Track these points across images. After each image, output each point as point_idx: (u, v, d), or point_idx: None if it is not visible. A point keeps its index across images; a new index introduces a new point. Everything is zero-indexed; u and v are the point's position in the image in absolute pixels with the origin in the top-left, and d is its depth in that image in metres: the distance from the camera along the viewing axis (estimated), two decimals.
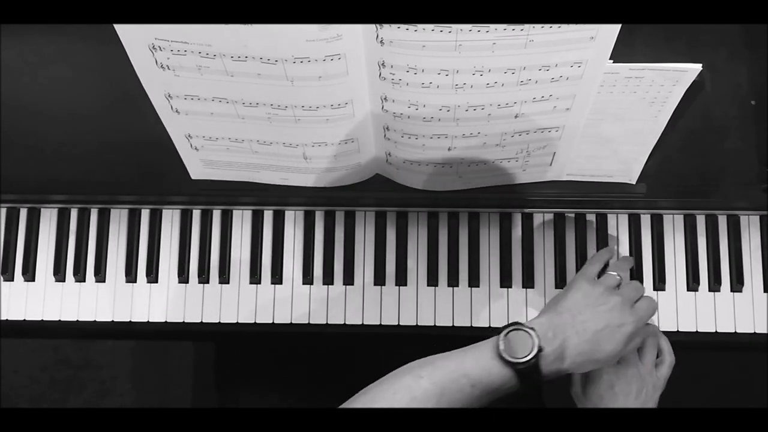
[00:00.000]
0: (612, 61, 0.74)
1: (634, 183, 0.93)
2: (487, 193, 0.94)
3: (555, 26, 0.69)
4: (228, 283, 1.00)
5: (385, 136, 0.84)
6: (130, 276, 1.00)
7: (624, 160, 0.90)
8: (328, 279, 0.99)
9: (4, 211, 1.02)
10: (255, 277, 0.99)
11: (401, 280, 0.99)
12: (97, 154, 0.96)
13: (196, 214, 1.01)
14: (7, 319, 1.00)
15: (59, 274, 1.00)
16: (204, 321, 0.99)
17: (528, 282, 0.98)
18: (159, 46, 0.72)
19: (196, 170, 0.93)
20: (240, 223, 1.01)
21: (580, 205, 0.98)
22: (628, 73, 0.77)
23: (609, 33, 0.71)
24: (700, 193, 0.94)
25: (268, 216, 1.01)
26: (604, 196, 0.95)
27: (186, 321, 0.99)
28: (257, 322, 0.99)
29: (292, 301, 0.99)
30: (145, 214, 1.01)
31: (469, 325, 0.98)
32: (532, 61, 0.73)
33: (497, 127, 0.82)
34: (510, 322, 0.76)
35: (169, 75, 0.76)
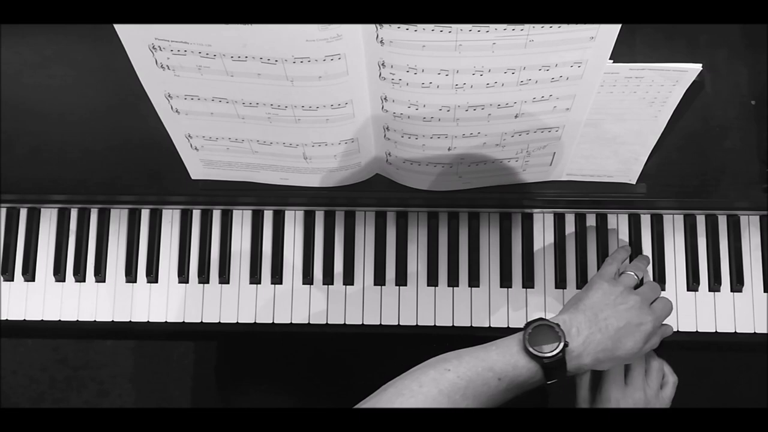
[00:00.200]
0: (612, 61, 0.74)
1: (634, 183, 0.93)
2: (487, 193, 0.94)
3: (555, 26, 0.69)
4: (228, 283, 1.00)
5: (385, 136, 0.84)
6: (130, 276, 1.00)
7: (624, 160, 0.90)
8: (328, 279, 0.99)
9: (4, 211, 1.02)
10: (255, 277, 0.99)
11: (401, 280, 0.99)
12: (97, 154, 0.96)
13: (196, 214, 1.02)
14: (7, 319, 1.00)
15: (59, 274, 1.00)
16: (204, 321, 0.99)
17: (528, 282, 0.98)
18: (159, 46, 0.72)
19: (196, 170, 0.93)
20: (240, 223, 1.01)
21: (580, 205, 0.98)
22: (628, 73, 0.77)
23: (609, 33, 0.71)
24: (700, 193, 0.94)
25: (268, 216, 1.01)
26: (604, 196, 0.95)
27: (186, 321, 0.99)
28: (257, 322, 0.99)
29: (292, 301, 0.99)
30: (145, 214, 1.01)
31: (469, 325, 0.98)
32: (532, 61, 0.73)
33: (497, 127, 0.82)
34: (533, 318, 0.78)
35: (169, 75, 0.76)
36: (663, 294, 0.97)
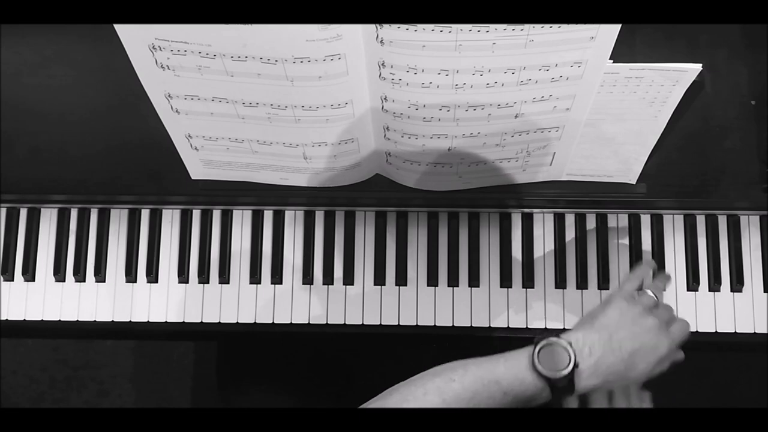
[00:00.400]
0: (612, 61, 0.74)
1: (634, 183, 0.93)
2: (487, 193, 0.94)
3: (555, 26, 0.69)
4: (228, 283, 1.00)
5: (385, 136, 0.84)
6: (130, 276, 1.00)
7: (624, 160, 0.90)
8: (328, 279, 0.99)
9: (4, 211, 1.02)
10: (255, 277, 0.99)
11: (401, 280, 0.99)
12: (96, 154, 0.96)
13: (196, 214, 1.01)
14: (7, 319, 1.00)
15: (59, 274, 1.00)
16: (204, 321, 0.99)
17: (528, 282, 0.98)
18: (159, 46, 0.72)
19: (196, 170, 0.93)
20: (240, 223, 1.01)
21: (580, 205, 0.98)
22: (628, 73, 0.77)
23: (609, 33, 0.71)
24: (700, 193, 0.94)
25: (268, 216, 1.01)
26: (604, 196, 0.95)
27: (186, 321, 0.99)
28: (257, 322, 0.99)
29: (292, 301, 0.99)
30: (145, 214, 1.01)
31: (469, 325, 0.98)
32: (532, 61, 0.73)
33: (497, 127, 0.82)
34: (545, 333, 0.75)
35: (169, 75, 0.76)
36: (663, 294, 0.98)
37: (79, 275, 1.00)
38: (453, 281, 0.98)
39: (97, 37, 0.96)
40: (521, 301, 0.98)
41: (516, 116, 0.81)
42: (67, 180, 0.96)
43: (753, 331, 0.97)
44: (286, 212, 1.01)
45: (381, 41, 0.70)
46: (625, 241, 0.99)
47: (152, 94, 0.79)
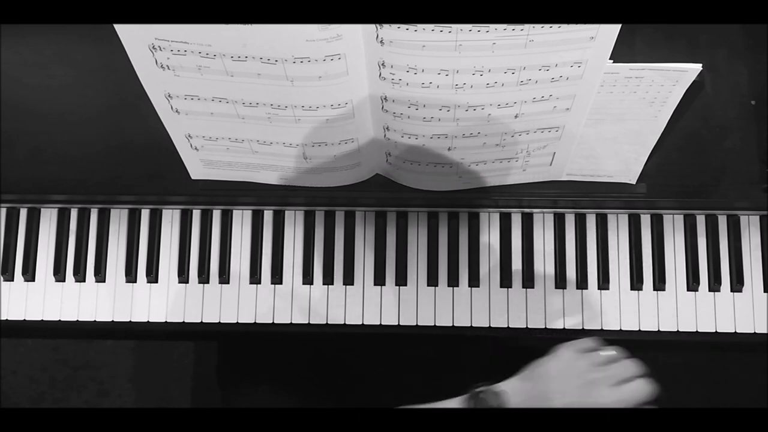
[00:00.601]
0: (612, 61, 0.74)
1: (634, 183, 0.93)
2: (487, 193, 0.94)
3: (555, 26, 0.69)
4: (228, 283, 1.00)
5: (385, 136, 0.84)
6: (130, 276, 1.00)
7: (624, 160, 0.90)
8: (328, 279, 0.99)
9: (4, 211, 1.02)
10: (255, 277, 0.99)
11: (401, 280, 0.99)
12: (96, 154, 0.96)
13: (196, 214, 1.01)
14: (7, 319, 1.00)
15: (59, 274, 1.00)
16: (204, 321, 0.99)
17: (528, 282, 0.98)
18: (159, 46, 0.72)
19: (196, 170, 0.93)
20: (240, 223, 1.01)
21: (580, 205, 0.98)
22: (628, 73, 0.77)
23: (609, 33, 0.71)
24: (700, 193, 0.94)
25: (268, 216, 1.01)
26: (604, 196, 0.95)
27: (186, 321, 0.99)
28: (257, 322, 0.99)
29: (292, 301, 0.99)
30: (145, 214, 1.01)
31: (469, 325, 0.98)
32: (532, 61, 0.73)
33: (497, 127, 0.82)
34: (479, 385, 0.76)
35: (169, 75, 0.76)
36: (662, 294, 0.97)
37: (79, 275, 1.00)
38: (453, 281, 0.98)
39: (97, 37, 0.96)
40: (521, 301, 0.98)
41: (516, 116, 0.81)
42: (67, 180, 0.96)
43: (753, 331, 0.97)
44: (286, 212, 1.01)
45: (381, 41, 0.70)
46: (625, 241, 0.99)
47: (152, 94, 0.79)
